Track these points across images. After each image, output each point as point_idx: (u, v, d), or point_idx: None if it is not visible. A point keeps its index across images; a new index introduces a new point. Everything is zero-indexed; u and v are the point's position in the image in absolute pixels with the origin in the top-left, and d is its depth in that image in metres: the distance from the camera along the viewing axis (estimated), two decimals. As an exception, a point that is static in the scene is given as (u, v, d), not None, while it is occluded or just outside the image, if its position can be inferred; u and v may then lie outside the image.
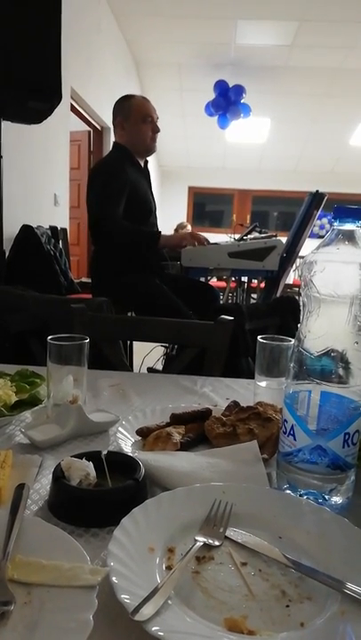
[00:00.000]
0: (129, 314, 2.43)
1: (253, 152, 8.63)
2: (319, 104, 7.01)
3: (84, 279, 3.86)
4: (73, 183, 4.56)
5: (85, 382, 0.83)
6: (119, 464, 0.62)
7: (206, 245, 2.60)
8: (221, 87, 6.12)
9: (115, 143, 2.54)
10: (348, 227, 0.57)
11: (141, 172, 2.52)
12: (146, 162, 2.60)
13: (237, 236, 3.05)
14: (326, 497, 0.59)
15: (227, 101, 6.18)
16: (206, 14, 5.10)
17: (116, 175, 2.33)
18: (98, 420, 0.78)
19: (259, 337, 0.88)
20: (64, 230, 3.98)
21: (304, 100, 6.91)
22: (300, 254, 3.22)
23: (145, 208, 2.48)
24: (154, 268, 2.50)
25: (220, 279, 4.17)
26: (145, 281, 2.38)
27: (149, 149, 2.53)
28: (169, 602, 0.42)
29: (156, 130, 2.48)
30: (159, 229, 2.55)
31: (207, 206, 10.24)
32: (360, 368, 0.57)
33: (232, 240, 2.97)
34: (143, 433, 0.75)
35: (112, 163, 2.47)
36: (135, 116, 2.43)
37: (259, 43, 5.67)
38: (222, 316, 1.32)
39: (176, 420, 0.78)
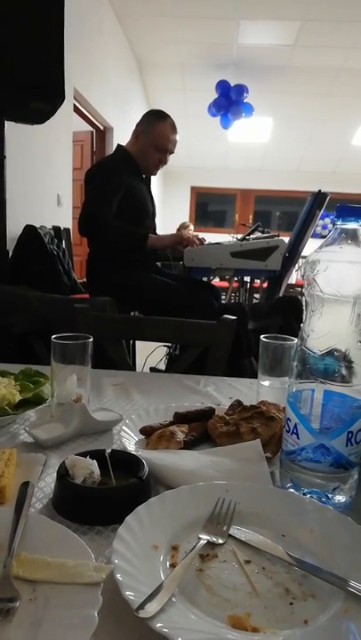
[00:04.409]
0: (134, 313, 2.43)
1: (256, 152, 8.62)
2: (322, 104, 7.00)
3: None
4: (76, 183, 4.56)
5: (89, 381, 0.83)
6: (123, 462, 0.62)
7: (204, 245, 2.60)
8: (223, 87, 6.12)
9: (119, 146, 2.51)
10: (351, 225, 0.57)
11: (141, 178, 2.51)
12: None
13: (240, 236, 3.05)
14: (330, 495, 0.59)
15: (228, 101, 6.17)
16: (208, 14, 5.10)
17: (111, 176, 2.33)
18: (101, 419, 0.79)
19: (262, 336, 0.89)
20: (67, 230, 3.98)
21: (306, 99, 6.90)
22: (303, 254, 3.22)
23: (141, 211, 2.47)
24: (146, 265, 2.49)
25: (222, 279, 4.17)
26: (137, 277, 2.37)
27: (149, 172, 2.53)
28: (173, 599, 0.42)
29: (163, 161, 2.48)
30: (155, 231, 2.55)
31: (210, 206, 10.24)
32: (363, 367, 0.57)
33: (235, 240, 2.97)
34: (147, 431, 0.75)
35: (109, 164, 2.48)
36: (153, 140, 2.41)
37: (261, 42, 5.67)
38: (225, 316, 1.32)
39: (179, 418, 0.78)
